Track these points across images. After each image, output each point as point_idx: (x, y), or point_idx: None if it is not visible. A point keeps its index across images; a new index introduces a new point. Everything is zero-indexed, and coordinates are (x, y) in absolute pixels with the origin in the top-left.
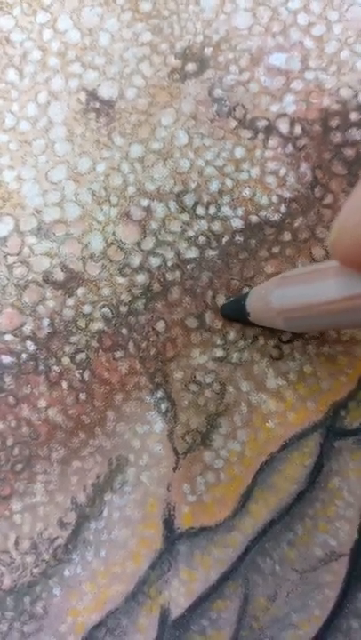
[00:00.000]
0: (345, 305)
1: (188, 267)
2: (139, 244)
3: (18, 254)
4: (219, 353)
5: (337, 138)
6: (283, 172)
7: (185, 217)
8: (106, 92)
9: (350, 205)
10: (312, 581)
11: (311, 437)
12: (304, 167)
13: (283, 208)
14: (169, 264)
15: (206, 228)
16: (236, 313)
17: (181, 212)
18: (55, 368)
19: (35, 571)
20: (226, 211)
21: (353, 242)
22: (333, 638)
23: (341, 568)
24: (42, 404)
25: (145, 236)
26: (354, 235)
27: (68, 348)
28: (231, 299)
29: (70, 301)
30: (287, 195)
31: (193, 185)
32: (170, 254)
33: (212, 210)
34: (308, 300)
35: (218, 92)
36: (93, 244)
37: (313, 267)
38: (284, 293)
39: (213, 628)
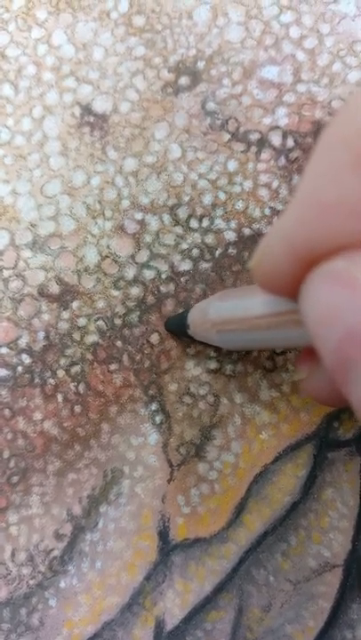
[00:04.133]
0: (271, 321)
1: (181, 279)
2: (133, 256)
3: (13, 268)
4: (213, 365)
5: None
6: (275, 184)
7: (179, 230)
8: (100, 106)
9: (270, 234)
10: (306, 592)
11: (305, 449)
12: (297, 180)
13: (276, 220)
14: (163, 277)
15: (200, 240)
16: (177, 326)
17: (175, 225)
18: (50, 381)
19: (31, 582)
20: (219, 223)
21: (270, 269)
22: None
23: (335, 579)
24: (37, 416)
25: (139, 249)
26: (270, 262)
27: (63, 361)
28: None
29: (65, 314)
30: (280, 207)
31: (186, 198)
32: (164, 267)
33: (205, 223)
34: (240, 314)
35: (211, 106)
36: (88, 257)
37: (251, 285)
38: (221, 306)
39: (208, 639)
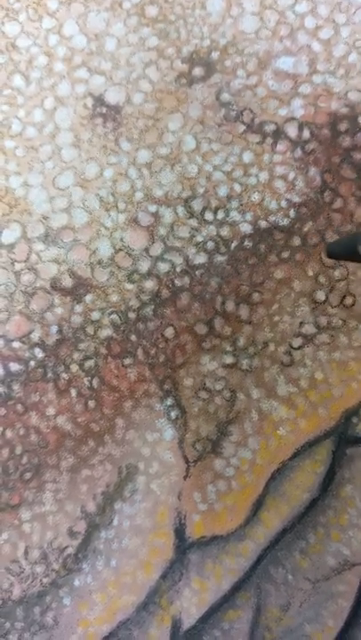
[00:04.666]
0: None
1: (196, 272)
2: (147, 249)
3: (25, 261)
4: (229, 359)
5: (346, 142)
6: (292, 176)
7: (193, 222)
8: (112, 97)
9: None
10: (325, 591)
11: (323, 445)
12: (313, 171)
13: (292, 212)
14: (178, 270)
15: (215, 233)
16: (347, 250)
17: (190, 218)
18: (64, 375)
19: (44, 580)
20: (235, 216)
21: None
22: None
23: (355, 578)
24: (50, 411)
25: (153, 242)
26: None
27: (76, 355)
28: (337, 239)
29: (78, 308)
30: (296, 199)
31: (201, 190)
32: (178, 260)
33: (220, 215)
34: None
35: (225, 97)
36: (101, 250)
37: None
38: None
39: (226, 639)
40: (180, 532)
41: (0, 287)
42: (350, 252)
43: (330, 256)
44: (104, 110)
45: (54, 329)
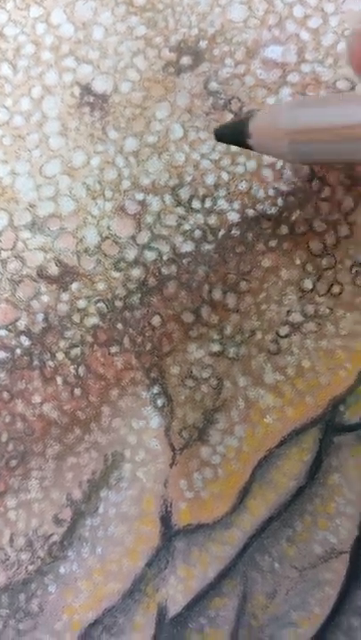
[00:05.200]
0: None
1: (183, 261)
2: (134, 238)
3: (12, 249)
4: (215, 348)
5: None
6: (279, 165)
7: (181, 210)
8: (100, 85)
9: None
10: (312, 579)
11: (310, 433)
12: None
13: (280, 201)
14: (165, 258)
15: (202, 221)
16: (234, 134)
17: (177, 206)
18: (50, 363)
19: (30, 568)
20: (222, 204)
21: None
22: (333, 637)
23: (342, 566)
24: (36, 399)
25: (140, 230)
26: None
27: (62, 343)
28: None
29: (65, 296)
30: (284, 188)
31: (188, 178)
32: (165, 248)
33: (208, 203)
34: (323, 123)
35: (213, 86)
36: (88, 238)
37: (335, 94)
38: (298, 113)
39: (212, 627)
40: (166, 519)
41: None
42: (237, 136)
43: (218, 139)
44: (91, 99)
45: (40, 317)
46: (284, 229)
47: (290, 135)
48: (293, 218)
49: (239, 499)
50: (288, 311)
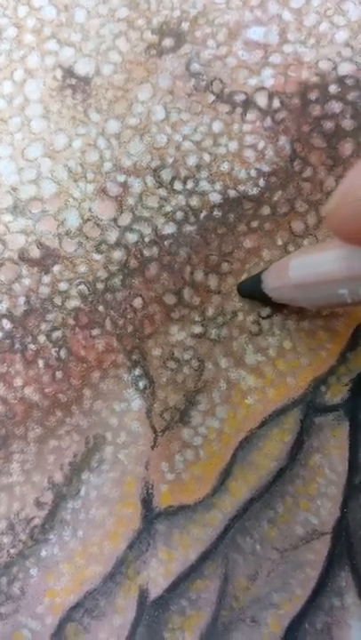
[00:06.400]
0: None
1: (165, 242)
2: (115, 220)
3: None
4: (197, 329)
5: (316, 111)
6: (261, 145)
7: (162, 192)
8: (82, 68)
9: (352, 178)
10: (293, 560)
11: (291, 414)
12: (283, 140)
13: (262, 182)
14: (146, 240)
15: (184, 203)
16: (252, 290)
17: (159, 188)
18: (31, 346)
19: (11, 551)
20: (204, 185)
21: (350, 215)
22: (315, 617)
23: (323, 547)
24: (18, 382)
25: (122, 212)
26: (352, 209)
27: (44, 326)
28: (245, 277)
29: (46, 279)
30: (266, 168)
31: (170, 160)
32: (147, 230)
33: (189, 185)
34: (321, 277)
35: (195, 67)
36: (69, 220)
37: (326, 242)
38: (298, 263)
39: (193, 609)
40: (147, 501)
41: None
42: (256, 291)
43: (242, 295)
44: (73, 82)
45: (22, 300)
46: (265, 210)
47: (297, 286)
48: (275, 198)
49: (220, 480)
50: None
